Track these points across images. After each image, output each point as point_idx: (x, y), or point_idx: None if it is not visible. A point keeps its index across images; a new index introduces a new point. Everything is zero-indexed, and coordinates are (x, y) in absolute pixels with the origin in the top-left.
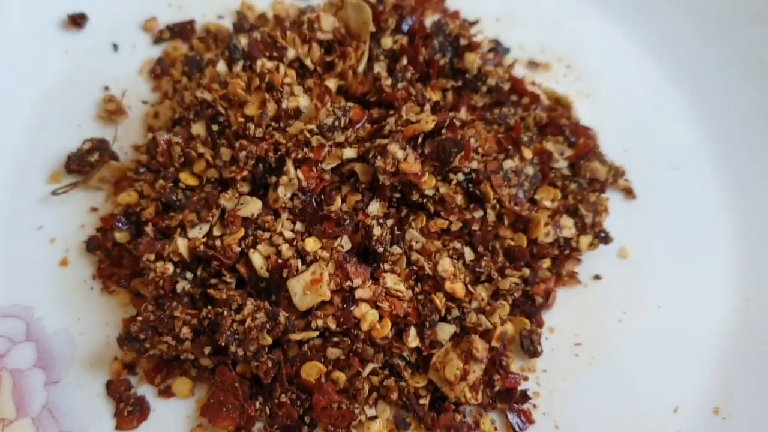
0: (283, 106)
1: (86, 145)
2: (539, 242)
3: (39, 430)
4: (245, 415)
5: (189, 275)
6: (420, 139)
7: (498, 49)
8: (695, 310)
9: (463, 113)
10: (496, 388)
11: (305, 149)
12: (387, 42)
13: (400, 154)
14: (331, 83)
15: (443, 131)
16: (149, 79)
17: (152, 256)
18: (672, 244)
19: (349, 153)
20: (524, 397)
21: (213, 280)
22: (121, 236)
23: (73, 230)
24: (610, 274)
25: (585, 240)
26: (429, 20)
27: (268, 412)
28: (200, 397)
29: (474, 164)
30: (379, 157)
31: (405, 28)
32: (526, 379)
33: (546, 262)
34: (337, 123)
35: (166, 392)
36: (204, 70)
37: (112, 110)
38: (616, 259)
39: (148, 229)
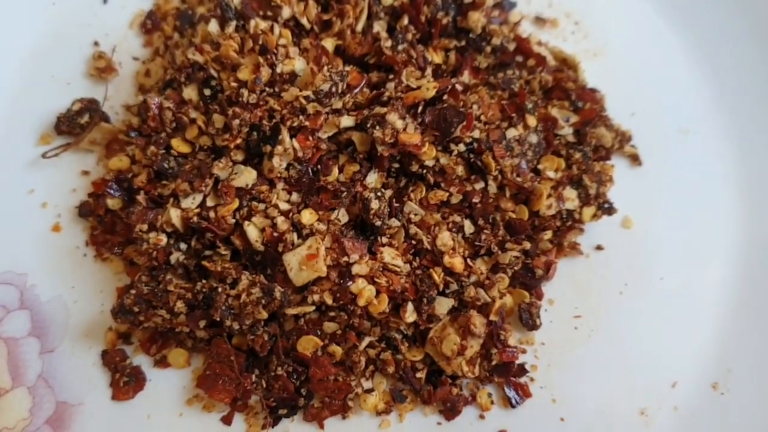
0: (278, 70)
1: (76, 105)
2: (541, 215)
3: (35, 400)
4: (241, 387)
5: (183, 246)
6: (420, 107)
7: (504, 3)
8: (697, 282)
9: (465, 76)
10: (494, 362)
11: (301, 117)
12: None
13: (399, 124)
14: (329, 43)
15: (445, 97)
16: (140, 34)
17: (145, 227)
18: (677, 213)
19: (347, 122)
20: (522, 370)
21: (207, 252)
22: (113, 203)
23: (64, 194)
24: (612, 244)
25: (588, 211)
26: None
27: (264, 384)
28: (196, 367)
29: (476, 134)
30: (377, 128)
31: None
32: (524, 352)
33: (547, 234)
34: (334, 89)
35: (162, 362)
36: (196, 26)
37: (102, 68)
38: (619, 228)
39: (140, 197)
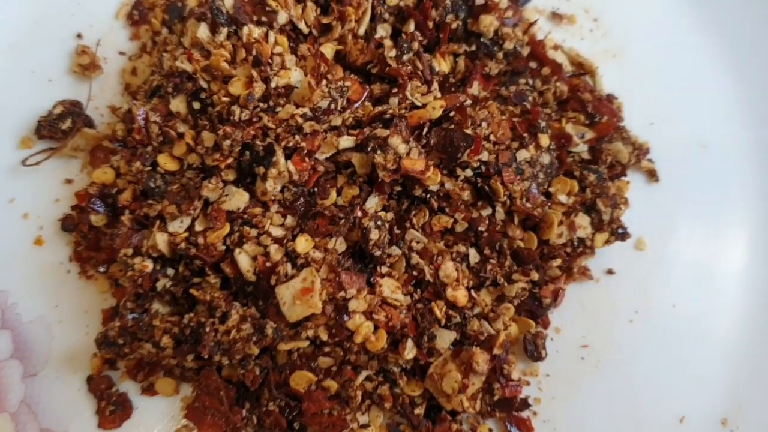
0: (273, 84)
1: (57, 108)
2: (551, 243)
3: (18, 427)
4: (231, 422)
5: (170, 272)
6: (426, 128)
7: None
8: (711, 311)
9: (475, 88)
10: (496, 397)
11: (297, 136)
12: None
13: (402, 148)
14: (328, 49)
15: (452, 114)
16: (126, 26)
17: (130, 251)
18: (693, 235)
19: (346, 142)
20: (524, 404)
21: (196, 279)
22: (96, 219)
23: (47, 205)
24: (624, 268)
25: (601, 238)
26: None
27: (255, 420)
28: (185, 395)
29: (484, 156)
30: (378, 151)
31: None
32: (527, 384)
33: (557, 261)
34: (333, 106)
35: (149, 390)
36: (186, 21)
37: (85, 64)
38: (632, 251)
39: (125, 218)
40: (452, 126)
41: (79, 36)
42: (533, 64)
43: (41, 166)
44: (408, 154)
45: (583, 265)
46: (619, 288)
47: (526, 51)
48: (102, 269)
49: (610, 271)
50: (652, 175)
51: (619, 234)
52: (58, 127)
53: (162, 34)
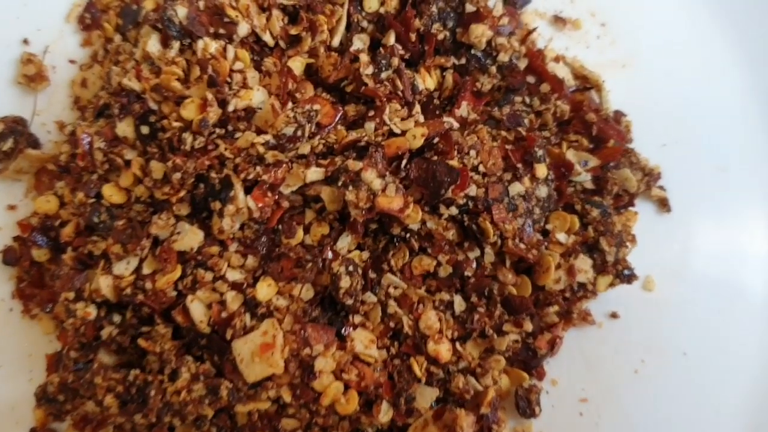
0: (231, 108)
1: None
2: (547, 289)
3: None
4: None
5: (116, 318)
6: (405, 159)
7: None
8: (725, 360)
9: (463, 108)
10: None
11: (258, 168)
12: (372, 3)
13: (377, 183)
14: (297, 64)
15: (435, 141)
16: (78, 30)
17: (71, 295)
18: (707, 273)
19: (315, 175)
20: None
21: (145, 327)
22: (39, 254)
23: None
24: (630, 311)
25: (604, 281)
26: None
27: None
28: None
29: (472, 190)
30: (350, 188)
31: None
32: None
33: (553, 308)
34: (300, 132)
35: None
36: (140, 28)
37: (31, 75)
38: (638, 291)
39: (67, 256)
40: (435, 157)
41: (24, 42)
42: (531, 79)
43: None
44: (384, 190)
45: (584, 308)
46: (623, 334)
47: (523, 64)
48: (47, 309)
49: (613, 315)
50: (663, 204)
51: (625, 276)
52: None
53: (114, 41)
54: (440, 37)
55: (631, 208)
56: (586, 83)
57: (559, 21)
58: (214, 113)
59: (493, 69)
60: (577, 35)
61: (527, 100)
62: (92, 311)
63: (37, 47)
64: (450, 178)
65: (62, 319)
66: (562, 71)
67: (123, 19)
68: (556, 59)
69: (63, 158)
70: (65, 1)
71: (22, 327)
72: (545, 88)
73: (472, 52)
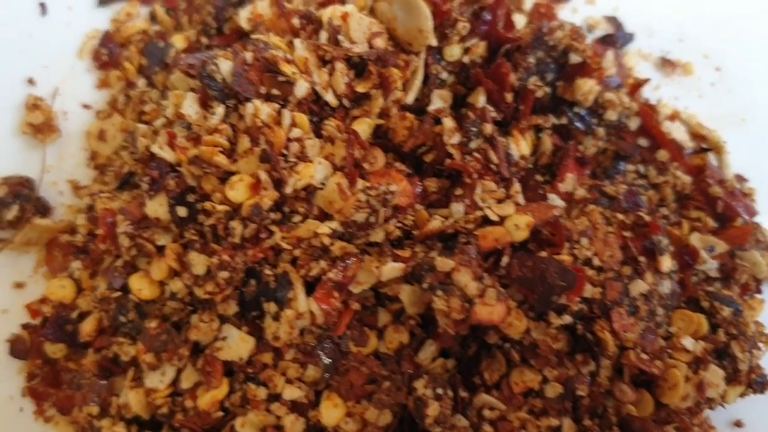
0: (289, 189)
1: (0, 190)
2: (672, 408)
3: None
4: None
5: None
6: (506, 255)
7: (617, 36)
8: None
9: (569, 182)
10: None
11: (322, 262)
12: (453, 51)
13: (473, 288)
14: (363, 127)
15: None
16: (92, 67)
17: (95, 410)
18: None
19: (392, 272)
20: None
21: None
22: (53, 350)
23: None
24: (756, 418)
25: (734, 392)
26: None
27: None
28: None
29: (587, 290)
30: (439, 292)
31: (482, 28)
32: None
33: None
34: (372, 219)
35: None
36: (170, 71)
37: (38, 124)
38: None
39: (89, 361)
40: (544, 254)
41: (30, 82)
42: (643, 142)
43: None
44: (481, 296)
45: (704, 417)
46: None
47: (634, 123)
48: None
49: (738, 424)
50: None
51: (758, 384)
52: (1, 216)
53: (138, 86)
54: (539, 94)
55: (756, 296)
56: (705, 144)
57: (667, 64)
58: (268, 197)
59: (601, 131)
60: (688, 82)
61: (641, 169)
62: (121, 430)
63: (45, 88)
64: (565, 282)
65: (84, 426)
66: (678, 132)
67: (148, 58)
68: (672, 117)
69: (80, 237)
70: (76, 33)
71: (35, 431)
72: (663, 155)
73: (575, 110)
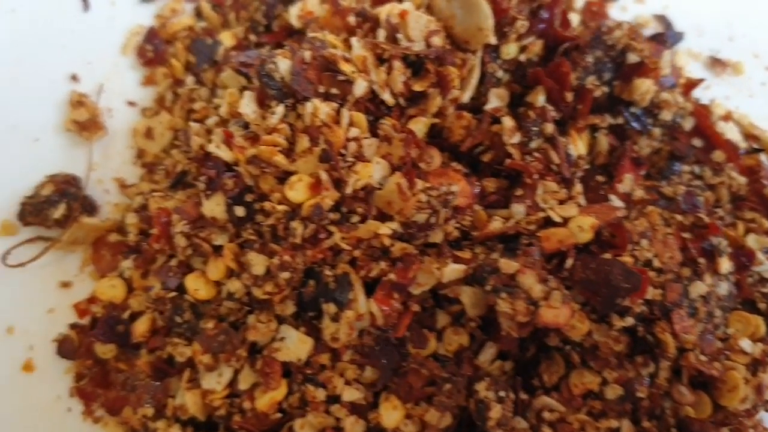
0: (348, 190)
1: (47, 188)
2: (731, 410)
3: None
4: None
5: None
6: (570, 257)
7: (666, 35)
8: None
9: (627, 183)
10: None
11: (382, 263)
12: (510, 50)
13: (537, 290)
14: (419, 126)
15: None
16: (137, 63)
17: (150, 411)
18: None
19: (453, 273)
20: None
21: None
22: (104, 350)
23: (37, 316)
24: None
25: None
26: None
27: None
28: None
29: (648, 292)
30: (503, 294)
31: (539, 26)
32: None
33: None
34: (433, 220)
35: None
36: (220, 70)
37: (83, 121)
38: None
39: (143, 362)
40: (607, 256)
41: (73, 78)
42: (697, 142)
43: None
44: (546, 298)
45: (758, 419)
46: None
47: (689, 123)
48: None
49: None
50: None
51: None
52: (47, 215)
53: (186, 84)
54: (597, 93)
55: None
56: (757, 144)
57: (717, 64)
58: (330, 197)
59: (657, 131)
60: (738, 81)
61: (696, 170)
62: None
63: (88, 85)
64: (629, 284)
65: (135, 427)
66: (732, 132)
67: (195, 55)
68: (725, 117)
69: (132, 237)
70: (120, 28)
71: (84, 431)
72: (718, 156)
73: (631, 110)
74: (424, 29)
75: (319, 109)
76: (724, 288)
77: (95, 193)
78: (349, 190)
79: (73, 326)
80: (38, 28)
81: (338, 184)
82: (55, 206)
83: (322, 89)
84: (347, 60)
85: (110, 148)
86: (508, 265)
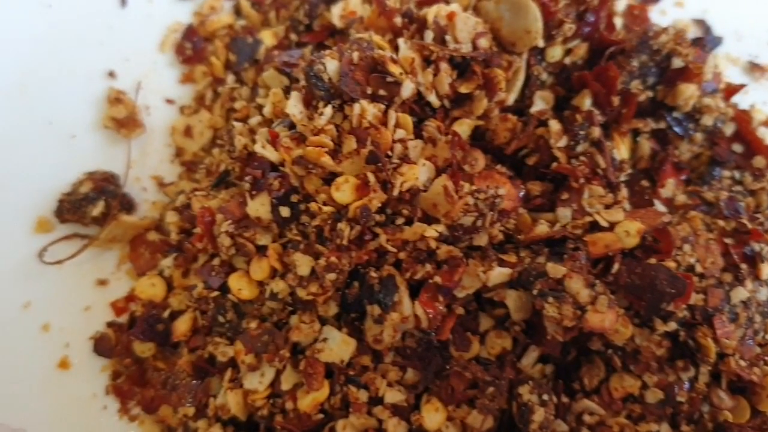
0: (396, 192)
1: (85, 185)
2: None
3: None
4: None
5: None
6: (616, 262)
7: (705, 39)
8: None
9: (669, 188)
10: None
11: (427, 266)
12: (555, 52)
13: (584, 295)
14: (464, 128)
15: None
16: (175, 61)
17: (191, 410)
18: None
19: (499, 277)
20: None
21: None
22: (143, 349)
23: (74, 313)
24: None
25: None
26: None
27: None
28: None
29: (690, 298)
30: (550, 299)
31: (585, 30)
32: None
33: None
34: (479, 223)
35: None
36: (261, 69)
37: (121, 119)
38: None
39: (184, 362)
40: (652, 261)
41: (110, 75)
42: (738, 148)
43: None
44: (593, 303)
45: None
46: None
47: (729, 129)
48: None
49: None
50: None
51: None
52: (86, 212)
53: (227, 83)
54: (641, 98)
55: None
56: None
57: (755, 68)
58: (377, 199)
59: (698, 136)
60: None
61: (736, 175)
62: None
63: (125, 82)
64: (675, 290)
65: (171, 425)
66: None
67: (236, 54)
68: (766, 123)
69: (173, 236)
70: (158, 25)
71: (119, 429)
72: (759, 162)
73: (674, 114)
74: (472, 31)
75: (366, 110)
76: (764, 294)
77: (133, 191)
78: (395, 192)
79: (110, 324)
80: (75, 24)
81: (384, 185)
82: (94, 204)
83: (369, 90)
84: (395, 61)
85: (148, 145)
86: (555, 269)
